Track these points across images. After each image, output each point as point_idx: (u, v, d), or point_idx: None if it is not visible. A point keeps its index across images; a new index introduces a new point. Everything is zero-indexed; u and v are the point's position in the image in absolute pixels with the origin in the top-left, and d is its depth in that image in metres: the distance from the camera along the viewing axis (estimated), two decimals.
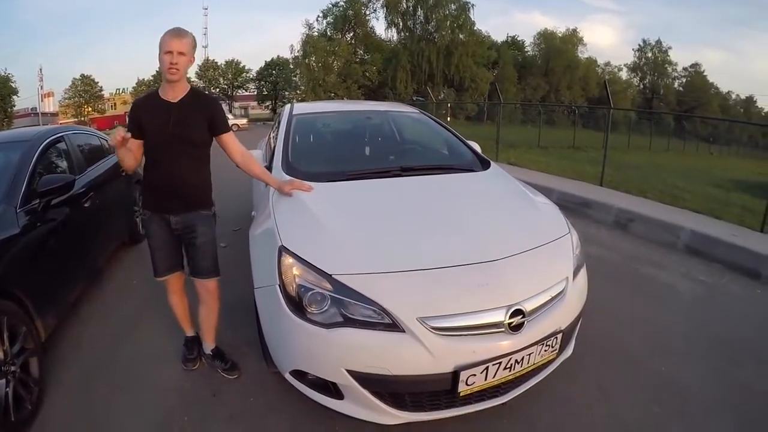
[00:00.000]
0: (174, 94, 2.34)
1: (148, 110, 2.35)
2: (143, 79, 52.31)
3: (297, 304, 1.98)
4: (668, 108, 52.44)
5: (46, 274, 2.81)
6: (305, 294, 1.96)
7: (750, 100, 64.28)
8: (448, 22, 44.00)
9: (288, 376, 2.16)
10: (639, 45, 60.60)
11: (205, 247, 2.52)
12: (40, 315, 2.58)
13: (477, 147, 3.74)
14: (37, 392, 2.39)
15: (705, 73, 59.68)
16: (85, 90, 51.47)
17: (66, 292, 3.11)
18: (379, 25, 60.88)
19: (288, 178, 2.80)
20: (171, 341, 2.94)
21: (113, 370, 2.77)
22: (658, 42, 58.85)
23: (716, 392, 2.55)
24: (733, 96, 64.04)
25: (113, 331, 3.22)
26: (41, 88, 49.61)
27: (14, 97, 43.55)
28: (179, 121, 2.31)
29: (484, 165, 3.35)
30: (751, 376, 2.69)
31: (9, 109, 42.53)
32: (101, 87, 53.45)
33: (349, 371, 1.90)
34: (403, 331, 1.86)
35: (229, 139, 2.52)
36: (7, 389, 2.15)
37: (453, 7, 43.82)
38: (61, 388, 2.59)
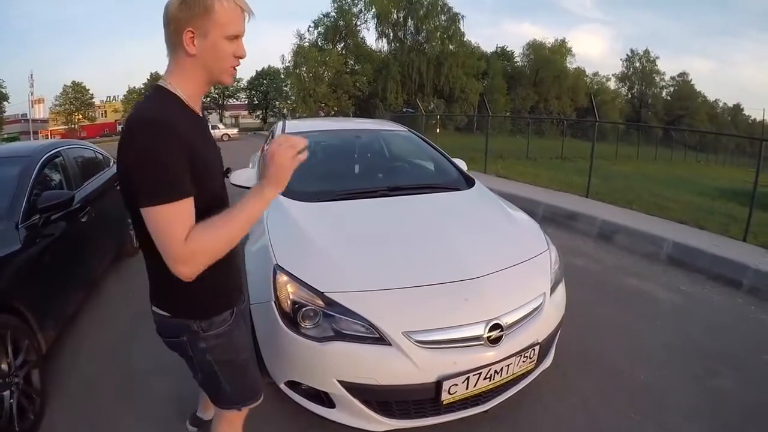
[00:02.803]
0: (198, 106, 1.37)
1: (197, 134, 1.27)
2: (134, 87, 52.26)
3: (291, 320, 2.09)
4: (656, 117, 53.16)
5: (47, 288, 2.86)
6: (299, 310, 2.08)
7: (737, 108, 65.22)
8: (438, 33, 44.23)
9: (283, 387, 2.26)
10: (627, 55, 61.65)
11: None
12: (41, 328, 2.64)
13: (463, 165, 3.89)
14: (39, 403, 2.45)
15: (692, 82, 60.79)
16: (76, 97, 51.32)
17: (65, 305, 3.18)
18: (369, 35, 61.61)
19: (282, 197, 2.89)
20: (168, 352, 3.00)
21: (112, 380, 2.83)
22: (646, 52, 59.89)
23: (694, 400, 2.63)
24: (721, 104, 65.04)
25: (111, 342, 3.29)
26: (32, 94, 49.22)
27: (5, 103, 43.47)
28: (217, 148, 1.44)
29: (469, 183, 3.52)
30: (729, 384, 2.79)
31: None
32: (92, 94, 53.43)
33: (340, 382, 2.02)
34: (390, 345, 1.99)
35: None
36: (11, 401, 2.21)
37: (443, 18, 44.13)
38: (62, 398, 2.66)
